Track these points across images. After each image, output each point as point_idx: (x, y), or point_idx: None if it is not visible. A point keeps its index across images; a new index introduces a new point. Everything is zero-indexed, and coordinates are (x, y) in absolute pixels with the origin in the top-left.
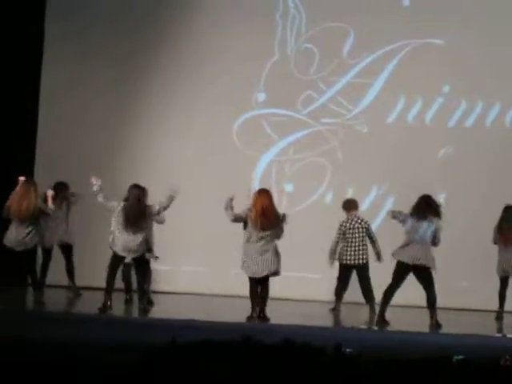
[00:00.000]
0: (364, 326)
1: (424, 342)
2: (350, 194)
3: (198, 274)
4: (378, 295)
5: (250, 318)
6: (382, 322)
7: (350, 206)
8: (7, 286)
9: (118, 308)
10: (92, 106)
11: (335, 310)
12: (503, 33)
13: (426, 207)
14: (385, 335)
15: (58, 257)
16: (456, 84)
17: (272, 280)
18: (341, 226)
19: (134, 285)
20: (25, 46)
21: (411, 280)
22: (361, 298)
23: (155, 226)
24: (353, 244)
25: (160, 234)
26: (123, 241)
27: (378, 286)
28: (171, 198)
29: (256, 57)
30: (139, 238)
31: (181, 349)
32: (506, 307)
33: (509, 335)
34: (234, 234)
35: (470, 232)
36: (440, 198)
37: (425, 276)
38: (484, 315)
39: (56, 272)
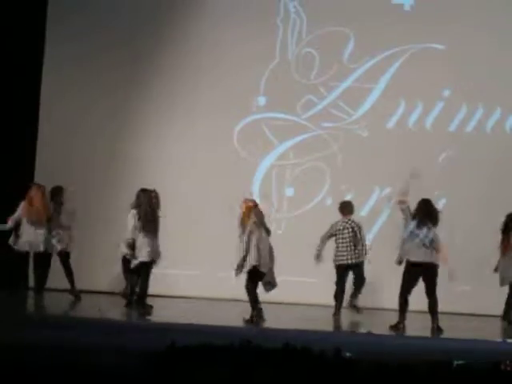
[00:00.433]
0: (364, 331)
1: (425, 346)
2: (349, 199)
3: (197, 277)
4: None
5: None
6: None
7: (344, 209)
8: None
9: (117, 312)
10: (92, 109)
11: (335, 315)
12: (504, 38)
13: (428, 214)
14: (385, 339)
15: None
16: (456, 89)
17: None
18: (331, 226)
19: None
20: (25, 49)
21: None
22: (363, 303)
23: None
24: (344, 244)
25: (159, 238)
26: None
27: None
28: None
29: (257, 61)
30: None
31: (180, 353)
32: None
33: (509, 340)
34: (234, 237)
35: (470, 237)
36: (439, 204)
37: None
38: (485, 320)
39: (53, 276)
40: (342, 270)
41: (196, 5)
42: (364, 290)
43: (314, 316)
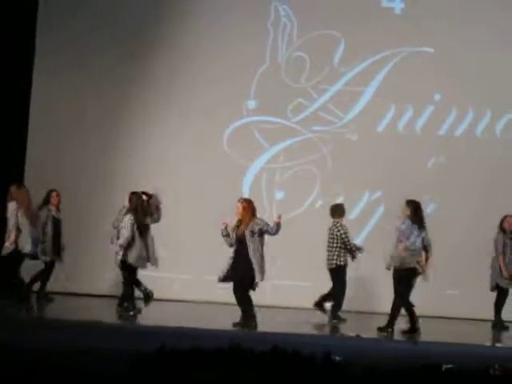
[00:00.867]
0: (353, 334)
1: (414, 350)
2: (339, 202)
3: (188, 281)
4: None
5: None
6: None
7: (333, 212)
8: None
9: (107, 315)
10: (83, 111)
11: (335, 319)
12: (494, 42)
13: (421, 216)
14: (374, 344)
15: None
16: (446, 92)
17: (263, 288)
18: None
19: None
20: (17, 50)
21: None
22: (352, 306)
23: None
24: (327, 249)
25: (154, 242)
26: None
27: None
28: None
29: (247, 64)
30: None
31: (169, 356)
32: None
33: (498, 344)
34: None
35: (460, 240)
36: (429, 208)
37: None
38: (474, 324)
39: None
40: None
41: (186, 9)
42: (352, 293)
43: (305, 320)
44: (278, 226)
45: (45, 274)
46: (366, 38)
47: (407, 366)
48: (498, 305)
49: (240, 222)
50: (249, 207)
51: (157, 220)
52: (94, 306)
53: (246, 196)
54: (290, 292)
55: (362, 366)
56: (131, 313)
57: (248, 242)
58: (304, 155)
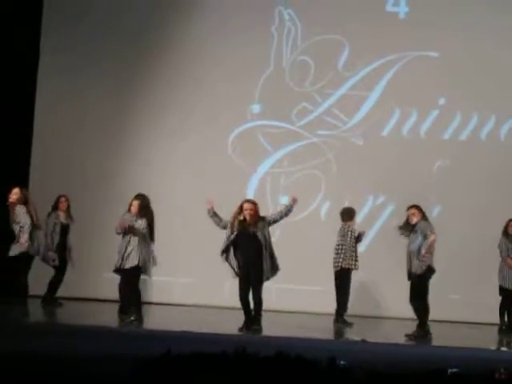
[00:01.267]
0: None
1: (419, 354)
2: (344, 207)
3: (192, 285)
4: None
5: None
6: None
7: (342, 215)
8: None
9: (111, 319)
10: (88, 116)
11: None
12: (499, 46)
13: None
14: (379, 348)
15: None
16: (451, 97)
17: (268, 292)
18: None
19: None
20: (21, 57)
21: (406, 293)
22: (357, 311)
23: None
24: (334, 251)
25: (154, 246)
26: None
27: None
28: None
29: (251, 69)
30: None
31: (175, 360)
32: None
33: (503, 348)
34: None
35: (465, 244)
36: (433, 212)
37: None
38: (479, 328)
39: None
40: None
41: (190, 14)
42: (357, 298)
43: (310, 324)
44: (291, 209)
45: (57, 280)
46: (371, 43)
47: (412, 371)
48: (502, 308)
49: (243, 219)
50: (257, 208)
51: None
52: (98, 310)
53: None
54: (294, 296)
55: (366, 371)
56: (132, 318)
57: (263, 241)
58: (308, 159)
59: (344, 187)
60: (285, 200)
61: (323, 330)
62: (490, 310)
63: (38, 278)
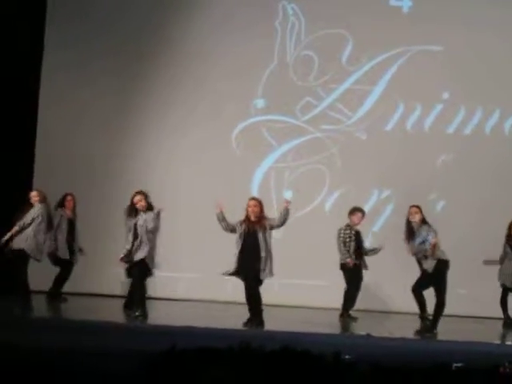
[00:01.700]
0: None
1: (423, 349)
2: (349, 201)
3: (197, 280)
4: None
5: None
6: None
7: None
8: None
9: (117, 315)
10: (92, 112)
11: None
12: (502, 40)
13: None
14: (384, 342)
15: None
16: (455, 91)
17: (272, 286)
18: None
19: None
20: (25, 52)
21: (410, 287)
22: (369, 306)
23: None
24: None
25: (159, 241)
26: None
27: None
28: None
29: (255, 64)
30: None
31: (180, 355)
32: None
33: (508, 342)
34: (233, 240)
35: (469, 239)
36: (438, 206)
37: None
38: (483, 322)
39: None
40: None
41: (194, 10)
42: (362, 292)
43: (314, 319)
44: (287, 214)
45: (63, 276)
46: (374, 37)
47: (417, 365)
48: (502, 303)
49: (250, 218)
50: (262, 206)
51: None
52: (103, 306)
53: (254, 195)
54: (299, 291)
55: (371, 365)
56: (137, 313)
57: (261, 240)
58: (313, 154)
59: (348, 182)
60: (288, 194)
61: (328, 325)
62: (495, 304)
63: (40, 273)
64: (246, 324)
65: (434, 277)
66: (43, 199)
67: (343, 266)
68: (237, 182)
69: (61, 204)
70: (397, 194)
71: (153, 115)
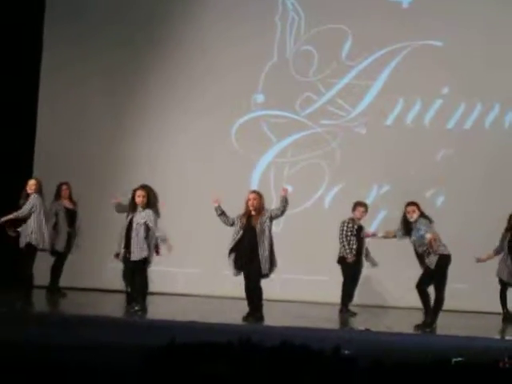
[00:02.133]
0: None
1: (423, 344)
2: (348, 196)
3: (197, 275)
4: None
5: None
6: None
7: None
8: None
9: (116, 310)
10: (91, 108)
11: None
12: (502, 34)
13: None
14: (384, 337)
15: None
16: (455, 86)
17: (272, 282)
18: None
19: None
20: (24, 48)
21: (409, 282)
22: (368, 301)
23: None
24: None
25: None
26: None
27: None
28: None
29: (255, 59)
30: None
31: (179, 350)
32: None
33: (507, 337)
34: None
35: (468, 234)
36: (438, 201)
37: None
38: (483, 317)
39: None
40: None
41: (194, 5)
42: (361, 287)
43: (314, 314)
44: (285, 202)
45: (56, 266)
46: (374, 32)
47: (416, 360)
48: (501, 298)
49: (249, 212)
50: (262, 200)
51: None
52: (104, 300)
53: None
54: (299, 286)
55: (371, 360)
56: (136, 308)
57: (260, 234)
58: (312, 149)
59: (348, 177)
60: (289, 189)
61: (328, 320)
62: (494, 299)
63: (43, 268)
64: (245, 318)
65: (435, 272)
66: (39, 189)
67: (341, 260)
68: (236, 176)
69: (57, 195)
70: (396, 189)
71: (152, 111)
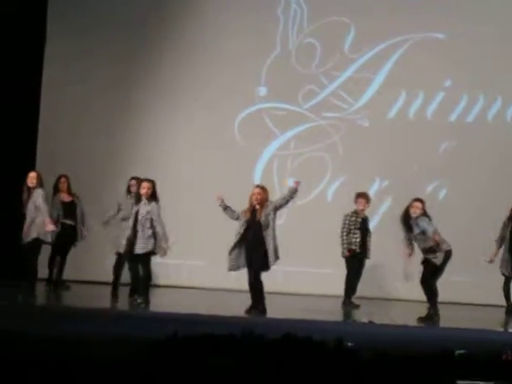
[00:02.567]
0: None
1: (426, 336)
2: (350, 189)
3: (200, 268)
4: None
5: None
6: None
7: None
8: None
9: (120, 302)
10: (93, 102)
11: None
12: (505, 28)
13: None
14: (387, 329)
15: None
16: (457, 78)
17: (275, 274)
18: None
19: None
20: (27, 43)
21: (415, 275)
22: (371, 293)
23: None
24: None
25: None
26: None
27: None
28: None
29: (258, 51)
30: None
31: (182, 343)
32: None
33: (511, 330)
34: (236, 228)
35: (472, 226)
36: (440, 194)
37: None
38: (486, 310)
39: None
40: None
41: None
42: (364, 280)
43: (317, 306)
44: (294, 193)
45: (58, 260)
46: (376, 25)
47: (419, 352)
48: (505, 290)
49: (254, 206)
50: (265, 192)
51: None
52: (107, 293)
53: (257, 182)
54: (301, 278)
55: (374, 352)
56: (139, 300)
57: (265, 226)
58: (315, 142)
59: (350, 169)
60: (290, 181)
61: (330, 312)
62: (498, 292)
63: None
64: (248, 311)
65: (438, 267)
66: (40, 183)
67: (344, 253)
68: (239, 169)
69: (56, 188)
70: (399, 182)
71: (155, 103)
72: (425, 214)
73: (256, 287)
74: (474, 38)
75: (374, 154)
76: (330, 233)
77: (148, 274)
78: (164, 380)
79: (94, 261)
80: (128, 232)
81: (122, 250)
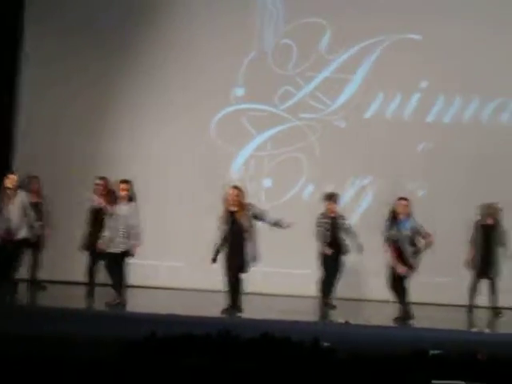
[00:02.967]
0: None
1: (401, 336)
2: (327, 190)
3: (178, 268)
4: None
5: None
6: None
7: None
8: None
9: (96, 302)
10: (71, 103)
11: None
12: (480, 28)
13: None
14: (363, 330)
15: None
16: (434, 79)
17: (253, 275)
18: None
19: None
20: (2, 44)
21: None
22: (347, 294)
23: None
24: None
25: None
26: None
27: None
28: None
29: (234, 52)
30: None
31: (160, 343)
32: (481, 302)
33: (485, 330)
34: (213, 228)
35: (448, 227)
36: (418, 195)
37: None
38: (461, 310)
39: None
40: None
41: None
42: (341, 280)
43: (294, 307)
44: (277, 226)
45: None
46: (353, 26)
47: (394, 352)
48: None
49: (230, 208)
50: (242, 194)
51: None
52: (83, 293)
53: (233, 183)
54: (279, 279)
55: (350, 352)
56: (117, 301)
57: (245, 229)
58: (292, 142)
59: (327, 170)
60: (268, 183)
61: (307, 313)
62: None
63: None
64: (224, 311)
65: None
66: (19, 185)
67: (321, 254)
68: (216, 169)
69: (26, 188)
70: (376, 183)
71: (133, 104)
72: (410, 214)
73: (237, 287)
74: (450, 39)
75: (350, 155)
76: (307, 233)
77: (123, 274)
78: (140, 380)
79: (70, 261)
80: (107, 232)
81: (99, 250)
